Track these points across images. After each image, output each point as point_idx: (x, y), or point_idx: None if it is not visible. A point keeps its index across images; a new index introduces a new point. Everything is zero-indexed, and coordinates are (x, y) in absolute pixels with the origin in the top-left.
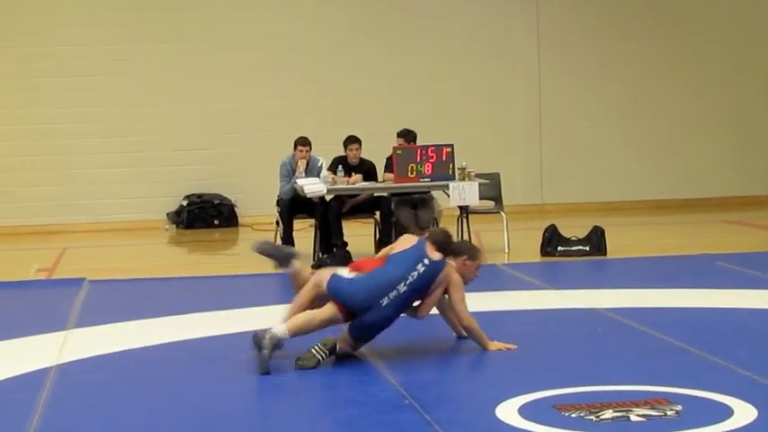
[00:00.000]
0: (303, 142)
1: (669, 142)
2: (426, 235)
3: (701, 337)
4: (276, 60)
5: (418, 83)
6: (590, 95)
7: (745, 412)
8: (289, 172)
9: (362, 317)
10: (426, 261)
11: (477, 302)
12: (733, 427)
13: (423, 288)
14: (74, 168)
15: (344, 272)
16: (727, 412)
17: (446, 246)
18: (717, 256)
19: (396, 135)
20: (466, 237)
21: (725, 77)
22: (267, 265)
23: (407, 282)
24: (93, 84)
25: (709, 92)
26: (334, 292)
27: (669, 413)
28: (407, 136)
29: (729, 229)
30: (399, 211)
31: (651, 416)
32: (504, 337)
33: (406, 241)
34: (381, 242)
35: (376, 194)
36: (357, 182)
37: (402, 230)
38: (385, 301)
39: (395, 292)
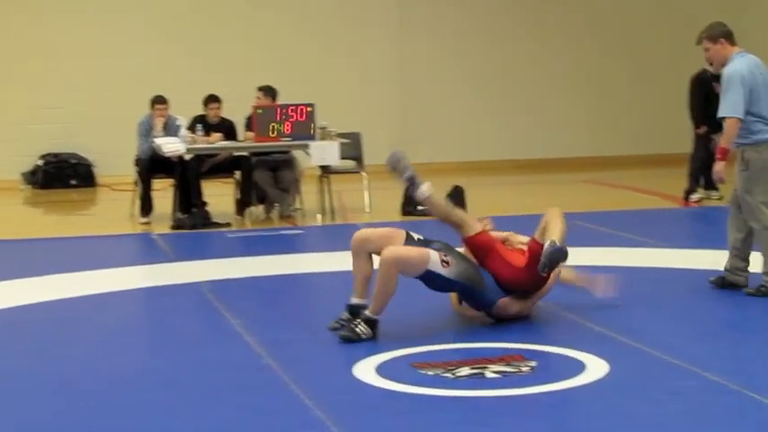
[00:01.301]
0: (160, 101)
1: (529, 103)
2: None
3: (550, 295)
4: (134, 18)
5: (280, 42)
6: (452, 57)
7: (597, 367)
8: (147, 131)
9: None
10: None
11: (338, 262)
12: (585, 382)
13: None
14: None
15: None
16: (579, 367)
17: None
18: (575, 215)
19: (257, 89)
20: (327, 197)
21: (583, 42)
22: (125, 225)
23: None
24: None
25: (567, 55)
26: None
27: (524, 369)
28: (268, 92)
29: (587, 189)
30: (258, 172)
31: (506, 372)
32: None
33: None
34: (241, 202)
35: (236, 154)
36: (217, 141)
37: (261, 191)
38: None
39: None
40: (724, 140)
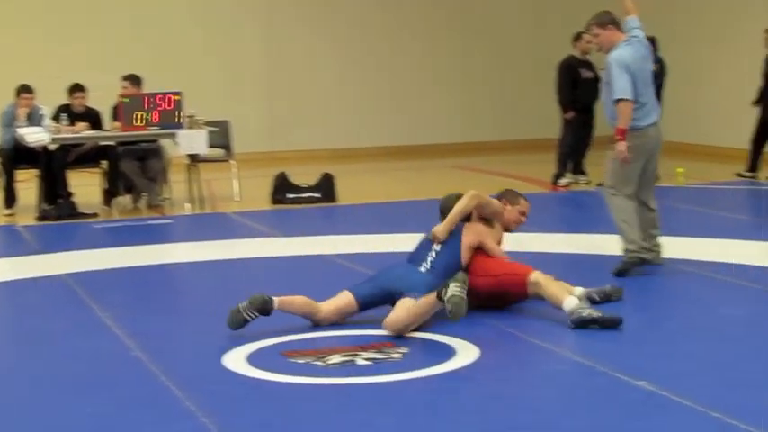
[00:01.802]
0: (26, 90)
1: (397, 91)
2: None
3: None
4: None
5: (146, 30)
6: (322, 43)
7: (467, 352)
8: (10, 121)
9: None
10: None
11: (207, 251)
12: (456, 367)
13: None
14: None
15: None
16: (450, 352)
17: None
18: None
19: (121, 78)
20: (195, 186)
21: (449, 30)
22: None
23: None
24: None
25: (434, 43)
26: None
27: (395, 355)
28: (133, 80)
29: (457, 174)
30: (125, 162)
31: (377, 359)
32: (228, 285)
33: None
34: (108, 192)
35: (102, 144)
36: (82, 131)
37: (128, 181)
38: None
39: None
40: (621, 122)
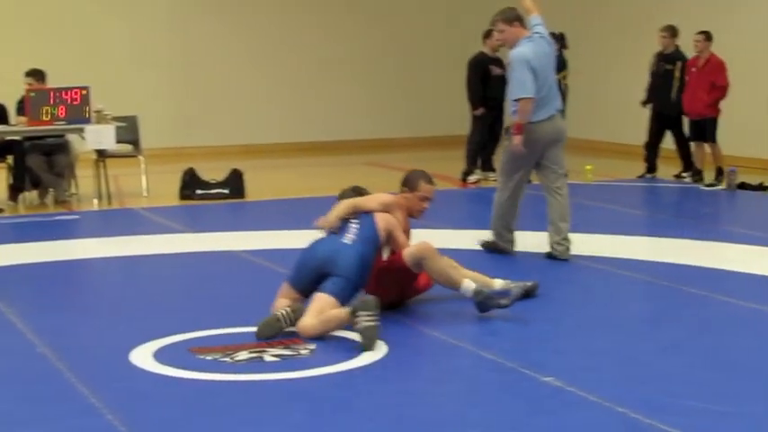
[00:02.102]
0: None
1: (310, 87)
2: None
3: None
4: None
5: (53, 24)
6: (233, 39)
7: (375, 349)
8: None
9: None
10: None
11: (115, 247)
12: (364, 363)
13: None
14: None
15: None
16: (358, 349)
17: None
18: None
19: (24, 74)
20: (103, 181)
21: (362, 27)
22: None
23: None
24: None
25: (347, 40)
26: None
27: (303, 352)
28: (36, 75)
29: (367, 171)
30: (31, 157)
31: (285, 355)
32: (135, 281)
33: None
34: (14, 187)
35: (8, 138)
36: None
37: (35, 176)
38: None
39: None
40: (519, 117)
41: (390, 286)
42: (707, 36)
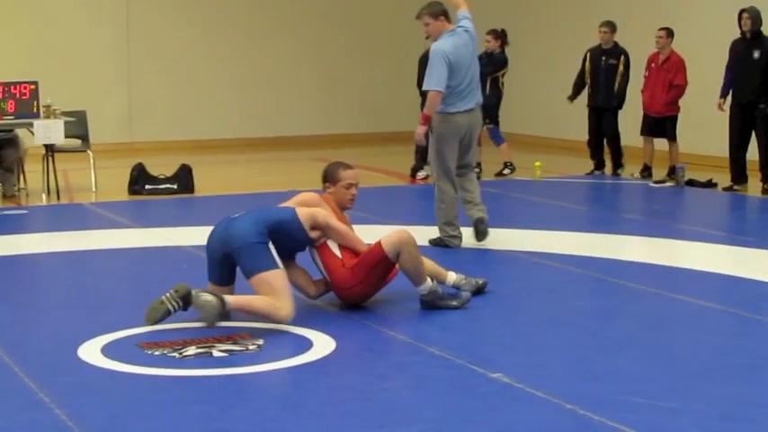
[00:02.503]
0: None
1: (259, 81)
2: None
3: None
4: None
5: (2, 18)
6: (182, 34)
7: (324, 344)
8: None
9: None
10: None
11: (63, 242)
12: (312, 359)
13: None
14: None
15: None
16: (307, 344)
17: None
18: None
19: None
20: (52, 176)
21: (314, 22)
22: None
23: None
24: None
25: (298, 34)
26: None
27: (251, 347)
28: None
29: (318, 167)
30: None
31: (233, 350)
32: (84, 276)
33: None
34: None
35: None
36: None
37: None
38: None
39: None
40: (427, 109)
41: (377, 283)
42: (668, 32)
